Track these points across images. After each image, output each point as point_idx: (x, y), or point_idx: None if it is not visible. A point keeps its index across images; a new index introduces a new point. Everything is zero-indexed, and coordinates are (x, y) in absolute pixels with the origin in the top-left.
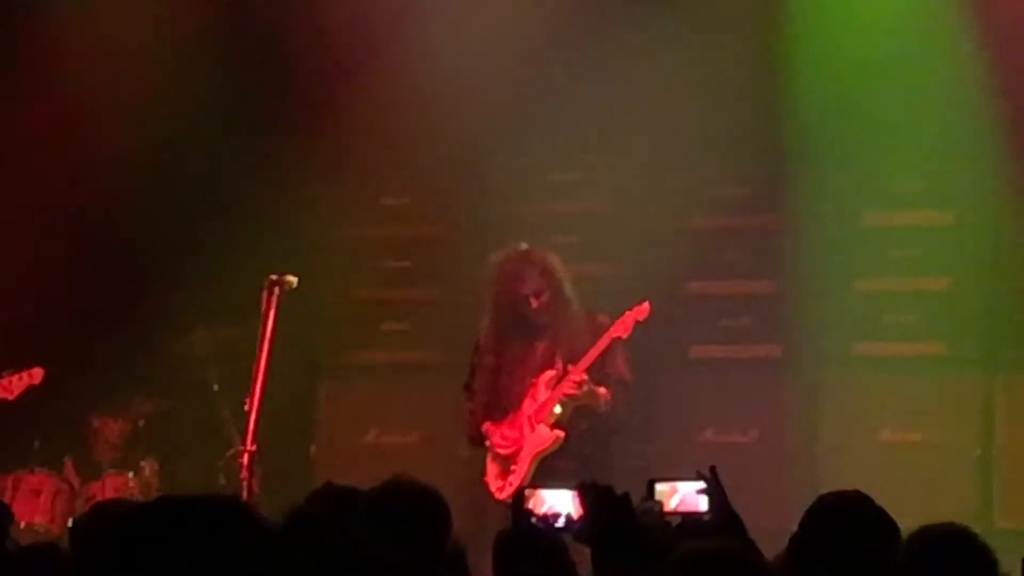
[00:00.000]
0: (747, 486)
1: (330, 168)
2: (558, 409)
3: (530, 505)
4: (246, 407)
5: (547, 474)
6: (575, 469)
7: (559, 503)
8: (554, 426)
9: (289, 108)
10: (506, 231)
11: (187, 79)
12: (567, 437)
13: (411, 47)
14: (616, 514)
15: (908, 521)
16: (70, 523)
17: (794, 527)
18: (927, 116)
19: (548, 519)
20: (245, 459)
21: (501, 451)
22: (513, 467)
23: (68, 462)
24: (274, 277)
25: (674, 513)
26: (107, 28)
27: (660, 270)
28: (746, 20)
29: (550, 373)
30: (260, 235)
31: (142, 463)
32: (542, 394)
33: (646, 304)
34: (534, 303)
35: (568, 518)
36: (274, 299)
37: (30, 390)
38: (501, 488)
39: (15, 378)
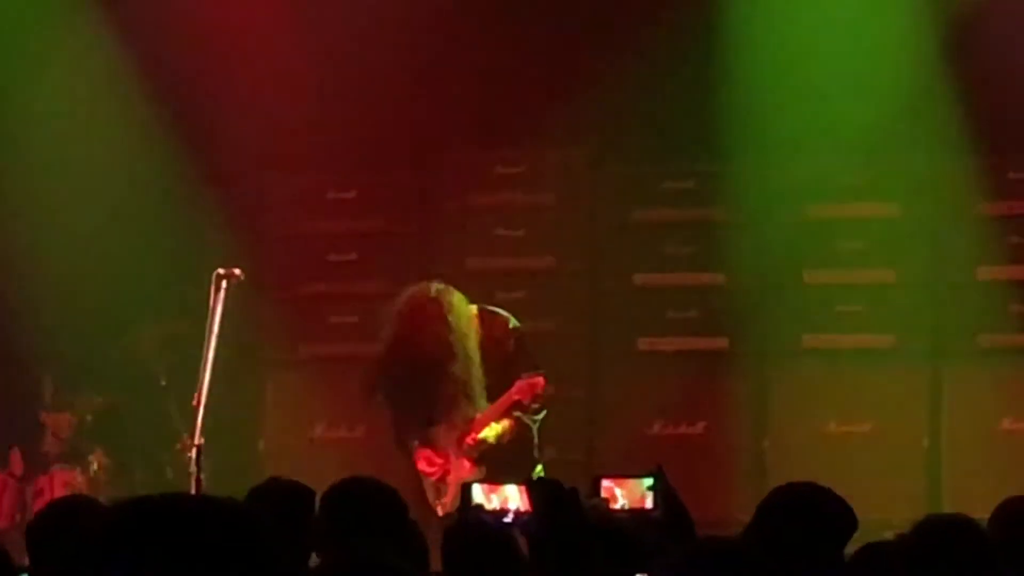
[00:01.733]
0: (695, 478)
1: (276, 162)
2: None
3: (477, 500)
4: (194, 402)
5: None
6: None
7: (507, 498)
8: (476, 461)
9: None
10: (452, 224)
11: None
12: (490, 470)
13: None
14: (564, 508)
15: (856, 512)
16: (17, 518)
17: (742, 518)
18: (871, 109)
19: (497, 513)
20: (193, 453)
21: (430, 477)
22: (444, 487)
23: (15, 454)
24: (221, 271)
25: (620, 510)
26: None
27: (606, 264)
28: (689, 13)
29: (465, 405)
30: (207, 229)
31: (90, 457)
32: (458, 424)
33: (540, 378)
34: (433, 351)
35: (516, 512)
36: (221, 293)
37: None
38: (439, 505)
39: None
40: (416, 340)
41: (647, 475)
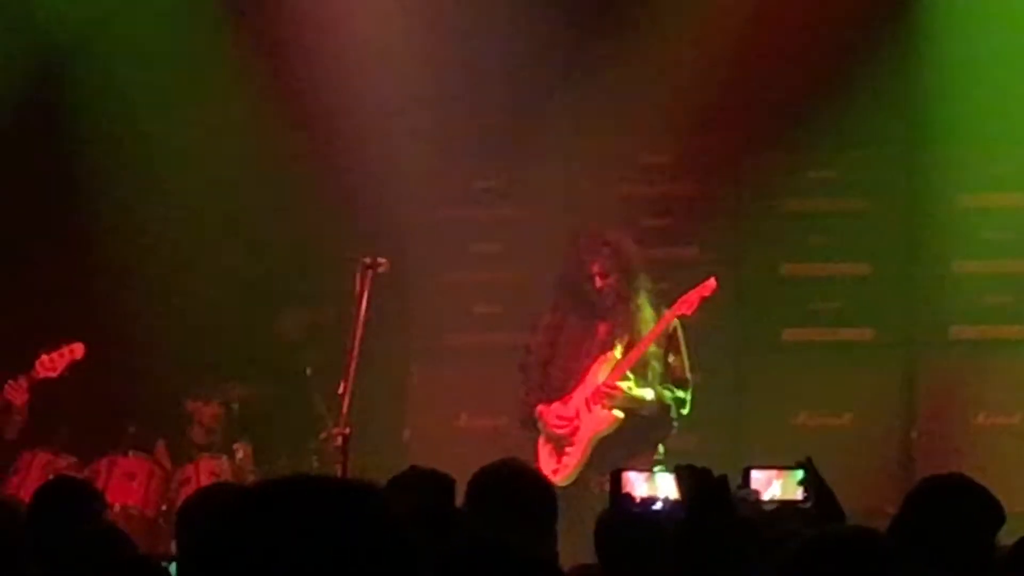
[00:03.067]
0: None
1: (423, 149)
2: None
3: (627, 488)
4: (339, 391)
5: (606, 457)
6: (636, 452)
7: (656, 486)
8: (612, 408)
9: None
10: (595, 212)
11: None
12: (627, 418)
13: None
14: (713, 498)
15: (1011, 506)
16: (164, 507)
17: (890, 510)
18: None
19: (646, 502)
20: (339, 442)
21: (556, 431)
22: (568, 448)
23: (160, 445)
24: (367, 260)
25: (770, 502)
26: None
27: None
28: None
29: (607, 355)
30: (352, 217)
31: (235, 447)
32: (598, 377)
33: (712, 280)
34: (599, 282)
35: (666, 501)
36: (367, 281)
37: (75, 366)
38: (556, 471)
39: (56, 355)
40: (584, 264)
41: (798, 467)
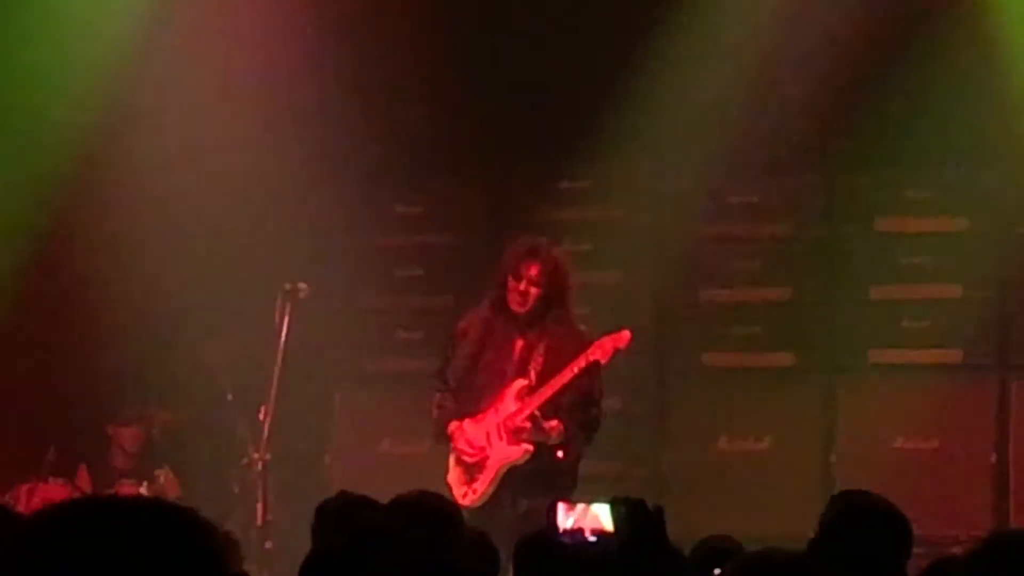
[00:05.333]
0: (762, 493)
1: (341, 176)
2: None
3: (558, 518)
4: (261, 416)
5: (514, 484)
6: (545, 481)
7: (588, 516)
8: (522, 441)
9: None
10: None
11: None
12: (536, 450)
13: None
14: (648, 529)
15: (928, 529)
16: None
17: (809, 532)
18: (940, 122)
19: (576, 533)
20: (260, 468)
21: (466, 459)
22: (479, 475)
23: (82, 470)
24: (288, 285)
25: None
26: None
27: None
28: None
29: (520, 383)
30: (274, 243)
31: (156, 472)
32: (511, 404)
33: (627, 332)
34: (523, 286)
35: (599, 532)
36: (288, 306)
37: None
38: (465, 494)
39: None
40: (513, 272)
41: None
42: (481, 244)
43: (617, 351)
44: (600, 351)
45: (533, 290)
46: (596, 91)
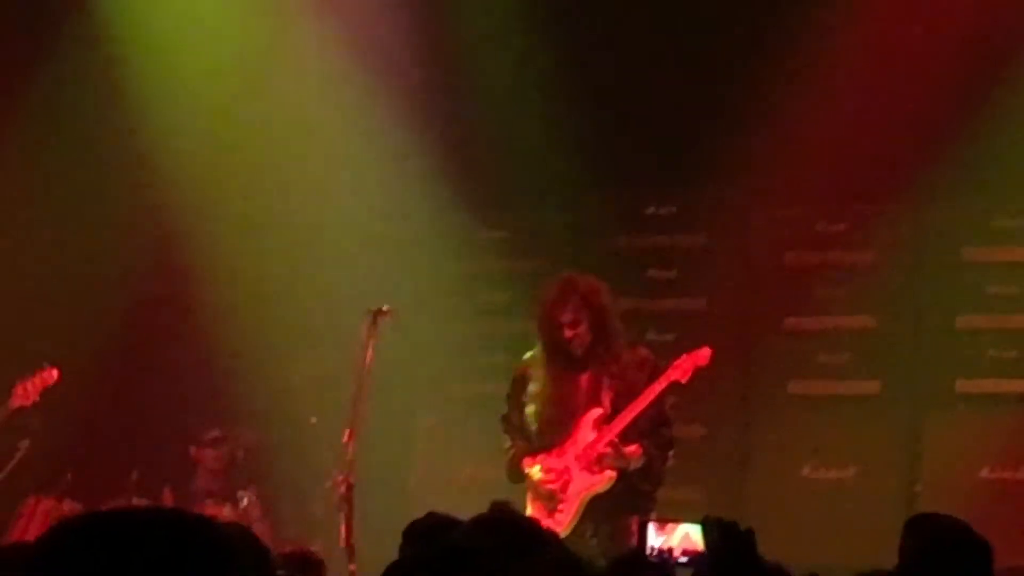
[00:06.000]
0: (846, 523)
1: (427, 202)
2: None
3: (648, 537)
4: (345, 439)
5: (597, 513)
6: (629, 507)
7: (681, 536)
8: (604, 469)
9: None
10: (601, 265)
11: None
12: (619, 476)
13: None
14: (740, 551)
15: (1007, 560)
16: None
17: (890, 565)
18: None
19: (665, 552)
20: (343, 490)
21: (547, 485)
22: (560, 505)
23: (167, 491)
24: (374, 308)
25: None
26: None
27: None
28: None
29: (596, 412)
30: (361, 266)
31: (240, 493)
32: (588, 434)
33: (707, 349)
34: (568, 333)
35: (690, 553)
36: (373, 329)
37: (48, 391)
38: (547, 528)
39: (28, 384)
40: (554, 316)
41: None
42: (566, 270)
43: (698, 369)
44: (679, 371)
45: (572, 332)
46: (683, 114)
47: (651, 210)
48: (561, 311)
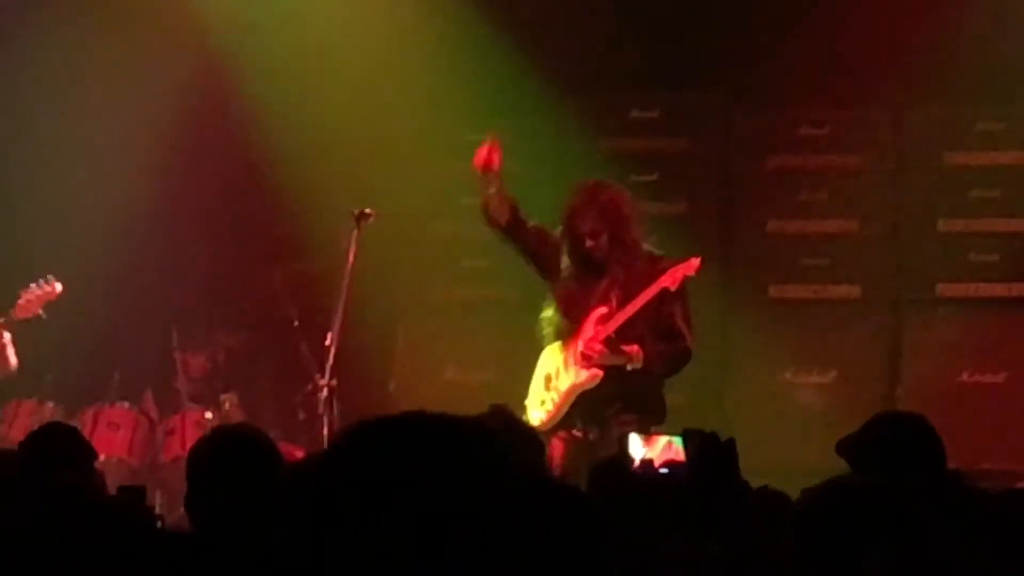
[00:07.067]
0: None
1: (412, 104)
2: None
3: (631, 448)
4: (327, 342)
5: (592, 406)
6: (636, 407)
7: (662, 446)
8: (594, 364)
9: None
10: (588, 168)
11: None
12: (607, 376)
13: None
14: (720, 460)
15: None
16: (148, 458)
17: None
18: (1011, 56)
19: (647, 463)
20: (325, 394)
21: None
22: (553, 395)
23: (148, 394)
24: (356, 211)
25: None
26: None
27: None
28: None
29: (601, 310)
30: (344, 170)
31: (222, 397)
32: (589, 330)
33: (696, 260)
34: (589, 243)
35: (670, 463)
36: (356, 233)
37: (52, 304)
38: (536, 416)
39: (32, 295)
40: (576, 224)
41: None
42: (547, 175)
43: (686, 278)
44: (670, 279)
45: (593, 242)
46: (665, 19)
47: (634, 114)
48: (582, 221)
